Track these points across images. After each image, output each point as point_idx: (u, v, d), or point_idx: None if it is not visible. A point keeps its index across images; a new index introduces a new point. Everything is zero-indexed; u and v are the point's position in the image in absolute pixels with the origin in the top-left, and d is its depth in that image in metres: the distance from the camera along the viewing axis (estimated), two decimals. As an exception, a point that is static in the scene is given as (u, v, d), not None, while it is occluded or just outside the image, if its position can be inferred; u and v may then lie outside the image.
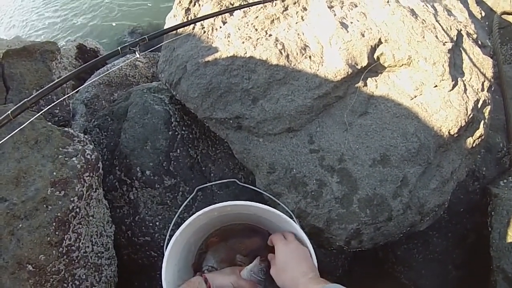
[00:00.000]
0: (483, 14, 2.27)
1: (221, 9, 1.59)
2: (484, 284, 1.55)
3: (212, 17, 1.41)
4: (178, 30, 1.68)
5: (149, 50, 1.30)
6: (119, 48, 1.04)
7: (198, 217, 1.11)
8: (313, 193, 1.24)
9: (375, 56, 1.46)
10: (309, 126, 1.35)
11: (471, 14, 2.01)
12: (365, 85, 1.42)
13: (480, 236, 1.68)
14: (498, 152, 1.87)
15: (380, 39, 1.48)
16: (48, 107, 1.20)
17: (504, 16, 3.22)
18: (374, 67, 1.47)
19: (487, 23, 3.25)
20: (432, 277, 1.73)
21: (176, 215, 1.24)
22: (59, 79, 1.08)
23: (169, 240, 1.09)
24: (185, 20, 1.66)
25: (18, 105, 0.91)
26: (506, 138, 1.97)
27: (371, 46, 1.45)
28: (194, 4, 1.69)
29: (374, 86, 1.43)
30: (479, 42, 1.88)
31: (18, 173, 1.34)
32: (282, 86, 1.35)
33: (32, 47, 1.97)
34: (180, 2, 1.73)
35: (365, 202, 1.24)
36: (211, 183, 1.32)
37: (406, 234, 1.37)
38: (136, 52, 1.03)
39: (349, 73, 1.36)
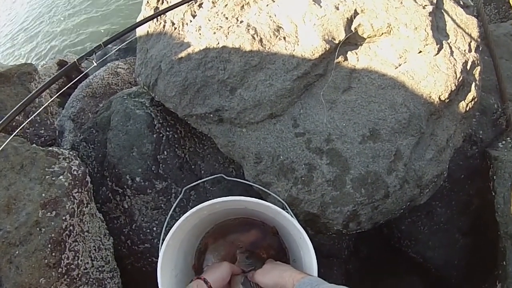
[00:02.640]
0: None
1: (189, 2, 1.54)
2: (494, 248, 1.51)
3: (173, 8, 1.35)
4: (149, 30, 1.64)
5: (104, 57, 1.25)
6: (75, 60, 1.00)
7: (186, 218, 1.08)
8: (303, 178, 1.20)
9: (352, 28, 1.40)
10: (292, 110, 1.30)
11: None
12: (346, 59, 1.37)
13: (485, 201, 1.63)
14: (493, 114, 1.81)
15: (355, 10, 1.42)
16: (17, 130, 1.16)
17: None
18: (353, 40, 1.41)
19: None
20: (439, 247, 1.69)
21: (167, 220, 1.21)
22: (20, 104, 1.04)
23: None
24: (154, 19, 1.61)
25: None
26: (500, 98, 1.91)
27: (347, 18, 1.39)
28: (162, 2, 1.63)
29: (355, 59, 1.37)
30: (461, 2, 1.80)
31: (8, 200, 1.32)
32: (258, 72, 1.30)
33: (9, 72, 1.93)
34: (148, 2, 1.67)
35: (359, 182, 1.19)
36: (197, 182, 1.28)
37: (407, 209, 1.33)
38: (93, 61, 0.99)
39: (327, 49, 1.30)
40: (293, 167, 1.22)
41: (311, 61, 1.28)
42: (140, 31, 1.69)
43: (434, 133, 1.39)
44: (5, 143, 1.07)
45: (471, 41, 1.57)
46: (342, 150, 1.22)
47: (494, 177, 1.56)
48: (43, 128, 1.97)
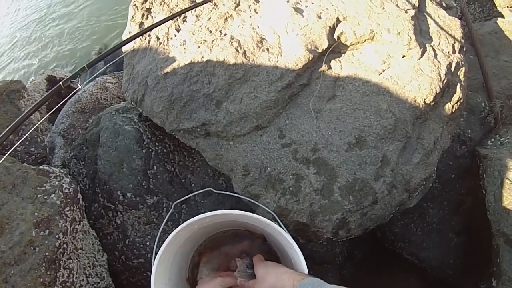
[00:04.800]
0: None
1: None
2: (488, 245, 1.52)
3: (160, 25, 1.36)
4: (135, 46, 1.65)
5: (93, 77, 1.26)
6: (60, 83, 1.00)
7: (177, 233, 1.08)
8: (291, 188, 1.21)
9: (335, 36, 1.41)
10: (278, 120, 1.31)
11: (433, -24, 1.96)
12: (330, 68, 1.38)
13: (476, 199, 1.64)
14: (481, 112, 1.82)
15: (338, 18, 1.43)
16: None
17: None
18: (336, 48, 1.42)
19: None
20: (433, 248, 1.70)
21: (158, 234, 1.21)
22: (11, 125, 1.04)
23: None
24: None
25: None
26: (487, 96, 1.92)
27: (330, 26, 1.40)
28: (147, 17, 1.65)
29: (339, 67, 1.38)
30: (444, 4, 1.82)
31: (1, 220, 1.33)
32: (243, 84, 1.31)
33: None
34: (133, 17, 1.68)
35: (347, 189, 1.20)
36: (186, 196, 1.29)
37: (397, 213, 1.34)
38: (78, 83, 1.00)
39: (310, 58, 1.32)
40: (281, 178, 1.23)
41: (295, 72, 1.29)
42: (126, 46, 1.70)
43: (421, 137, 1.40)
44: (-2, 163, 1.08)
45: (454, 43, 1.58)
46: (329, 159, 1.22)
47: (484, 175, 1.57)
48: (33, 146, 1.97)
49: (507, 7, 2.77)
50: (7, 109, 1.97)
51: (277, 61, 1.31)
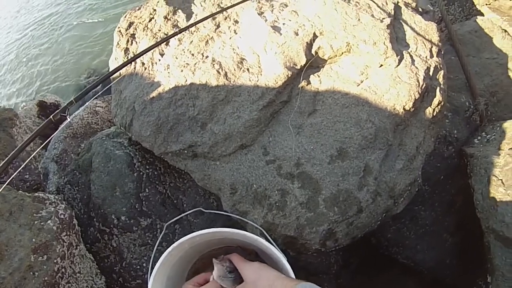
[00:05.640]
0: (423, -22, 2.28)
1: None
2: (482, 243, 1.53)
3: (145, 53, 1.40)
4: (121, 71, 1.70)
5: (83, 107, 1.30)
6: (51, 117, 1.05)
7: (169, 253, 1.11)
8: (277, 204, 1.24)
9: (313, 52, 1.46)
10: (261, 138, 1.35)
11: (408, -18, 2.01)
12: (309, 83, 1.42)
13: (467, 198, 1.66)
14: (465, 112, 1.85)
15: (314, 33, 1.48)
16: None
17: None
18: (315, 63, 1.47)
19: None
20: (428, 250, 1.71)
21: (153, 255, 1.24)
22: (7, 158, 1.08)
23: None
24: (125, 60, 1.67)
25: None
26: (470, 95, 1.95)
27: (307, 42, 1.45)
28: (132, 43, 1.70)
29: (318, 81, 1.43)
30: (420, 9, 1.87)
31: (0, 247, 1.37)
32: (226, 105, 1.35)
33: None
34: (118, 43, 1.74)
35: (331, 201, 1.23)
36: (176, 218, 1.32)
37: (384, 219, 1.37)
38: (67, 117, 1.04)
39: (289, 75, 1.36)
40: (267, 194, 1.26)
41: (275, 89, 1.34)
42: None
43: (403, 143, 1.43)
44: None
45: (432, 47, 1.62)
46: (312, 173, 1.26)
47: (471, 174, 1.59)
48: (27, 173, 2.02)
49: (486, 4, 2.78)
50: (0, 137, 2.03)
51: (257, 81, 1.35)
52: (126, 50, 1.70)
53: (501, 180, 1.48)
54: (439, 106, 1.54)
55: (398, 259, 1.75)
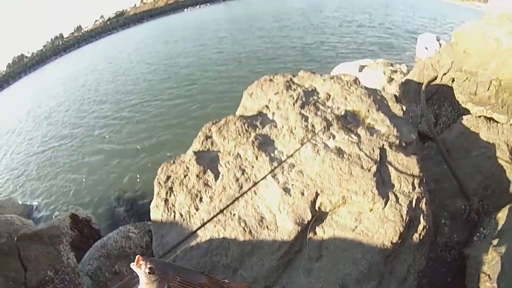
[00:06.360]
0: (405, 108, 2.58)
1: (192, 197, 2.08)
2: None
3: (201, 227, 1.86)
4: (162, 219, 2.12)
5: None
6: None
7: None
8: None
9: (316, 207, 1.93)
10: (281, 280, 1.74)
11: (392, 118, 2.39)
12: (315, 233, 1.87)
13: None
14: (462, 214, 2.08)
15: (316, 191, 1.98)
16: None
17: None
18: (318, 216, 1.94)
19: (413, 110, 3.62)
20: None
21: None
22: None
23: None
24: (166, 209, 2.11)
25: None
26: (464, 197, 2.19)
27: (311, 201, 1.93)
28: (170, 195, 2.17)
29: (322, 231, 1.88)
30: (403, 144, 2.23)
31: None
32: (252, 256, 1.77)
33: (41, 232, 2.29)
34: (158, 193, 2.21)
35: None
36: None
37: None
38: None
39: (299, 230, 1.81)
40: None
41: (289, 242, 1.78)
42: (154, 216, 2.17)
43: (393, 270, 1.81)
44: None
45: (414, 180, 2.00)
46: (322, 308, 1.63)
47: (466, 275, 1.80)
48: (72, 286, 2.25)
49: (469, 101, 3.05)
50: (49, 251, 2.28)
51: (275, 236, 1.80)
52: (166, 201, 2.16)
53: (488, 275, 1.69)
54: (424, 230, 1.89)
55: None
